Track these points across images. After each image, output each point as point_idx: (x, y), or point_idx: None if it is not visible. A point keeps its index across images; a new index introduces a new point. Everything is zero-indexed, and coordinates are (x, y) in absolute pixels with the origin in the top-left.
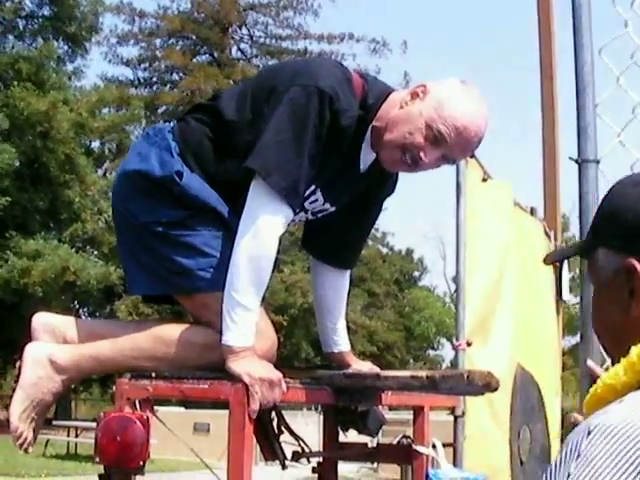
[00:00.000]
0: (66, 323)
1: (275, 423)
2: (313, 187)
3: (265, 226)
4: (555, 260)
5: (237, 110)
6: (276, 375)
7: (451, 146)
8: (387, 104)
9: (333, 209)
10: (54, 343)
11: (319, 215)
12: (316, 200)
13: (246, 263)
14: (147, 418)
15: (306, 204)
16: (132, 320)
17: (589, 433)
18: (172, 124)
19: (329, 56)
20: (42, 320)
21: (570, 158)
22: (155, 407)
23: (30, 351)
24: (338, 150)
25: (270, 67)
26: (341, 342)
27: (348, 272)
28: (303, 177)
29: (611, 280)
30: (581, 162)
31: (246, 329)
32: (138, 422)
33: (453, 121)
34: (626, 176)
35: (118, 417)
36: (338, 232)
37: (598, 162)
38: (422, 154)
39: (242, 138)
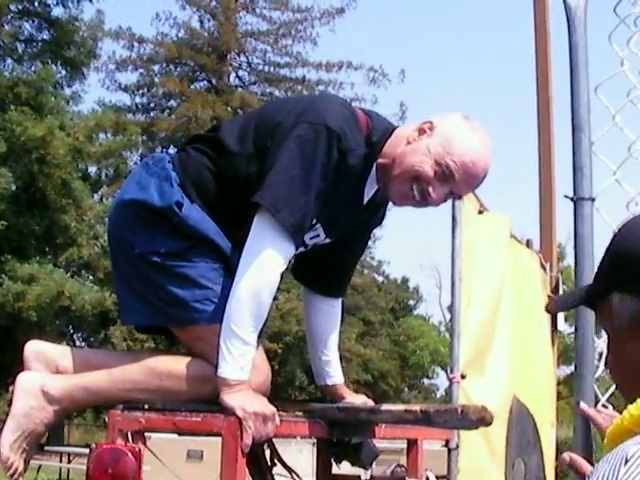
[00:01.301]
0: (59, 352)
1: (268, 455)
2: (315, 223)
3: (269, 262)
4: (559, 310)
5: (239, 142)
6: (270, 410)
7: (458, 182)
8: (392, 141)
9: (328, 241)
10: (47, 372)
11: (314, 247)
12: (317, 235)
13: (248, 297)
14: (139, 450)
15: (307, 239)
16: (126, 350)
17: (626, 462)
18: (171, 154)
19: (327, 84)
20: (35, 348)
21: (565, 196)
22: (148, 434)
23: (23, 381)
24: (343, 188)
25: (275, 102)
26: (334, 374)
27: (340, 301)
28: (310, 214)
29: (630, 325)
30: (576, 200)
31: (243, 362)
32: (130, 454)
33: (461, 157)
34: (631, 218)
35: (110, 449)
36: (330, 262)
37: (593, 200)
38: (431, 189)
39: (243, 170)
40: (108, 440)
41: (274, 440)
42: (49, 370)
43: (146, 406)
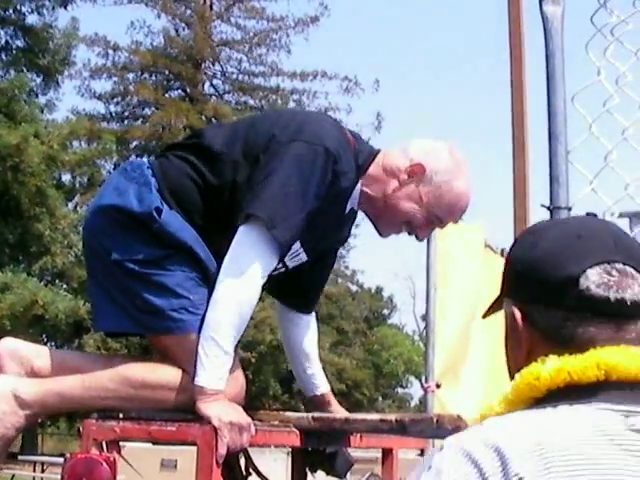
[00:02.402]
0: (34, 351)
1: (243, 464)
2: (298, 244)
3: (256, 274)
4: (484, 316)
5: (225, 148)
6: (245, 420)
7: (446, 223)
8: (377, 169)
9: (306, 260)
10: (20, 371)
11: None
12: (298, 255)
13: (230, 307)
14: (114, 460)
15: (287, 261)
16: (102, 355)
17: (442, 448)
18: (150, 160)
19: (302, 93)
20: (9, 347)
21: (542, 205)
22: (122, 443)
23: None
24: (330, 209)
25: (267, 114)
26: (320, 384)
27: (313, 314)
28: (299, 233)
29: (508, 327)
30: (553, 209)
31: (221, 372)
32: (105, 464)
33: (451, 207)
34: (528, 227)
35: (84, 459)
36: (304, 278)
37: (570, 209)
38: (419, 232)
39: (228, 177)
40: (83, 449)
41: (249, 449)
42: (23, 369)
43: (121, 415)
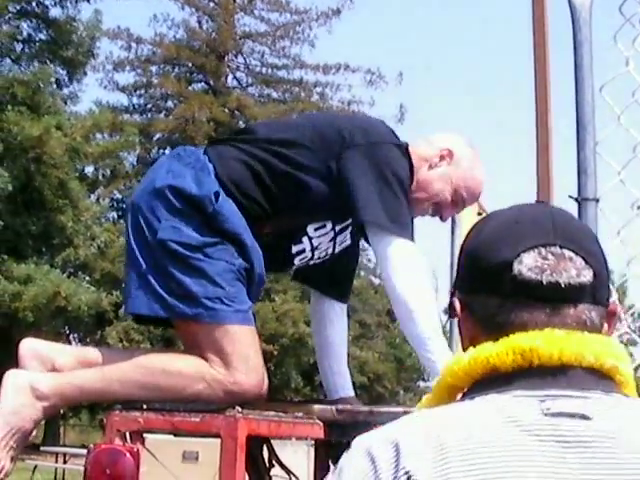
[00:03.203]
0: (55, 350)
1: (266, 456)
2: (348, 231)
3: (425, 275)
4: (451, 316)
5: (288, 148)
6: None
7: (466, 206)
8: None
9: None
10: (42, 370)
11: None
12: (345, 241)
13: (422, 302)
14: (137, 451)
15: (337, 246)
16: (121, 348)
17: (349, 447)
18: (205, 147)
19: (325, 86)
20: (30, 347)
21: (570, 196)
22: (144, 434)
23: (11, 377)
24: None
25: (335, 114)
26: (347, 386)
27: (345, 309)
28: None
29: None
30: (581, 200)
31: (448, 357)
32: (128, 455)
33: (474, 190)
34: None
35: (108, 449)
36: (339, 265)
37: (598, 201)
38: (445, 212)
39: (294, 176)
40: (106, 440)
41: (272, 441)
42: (45, 368)
43: (144, 406)
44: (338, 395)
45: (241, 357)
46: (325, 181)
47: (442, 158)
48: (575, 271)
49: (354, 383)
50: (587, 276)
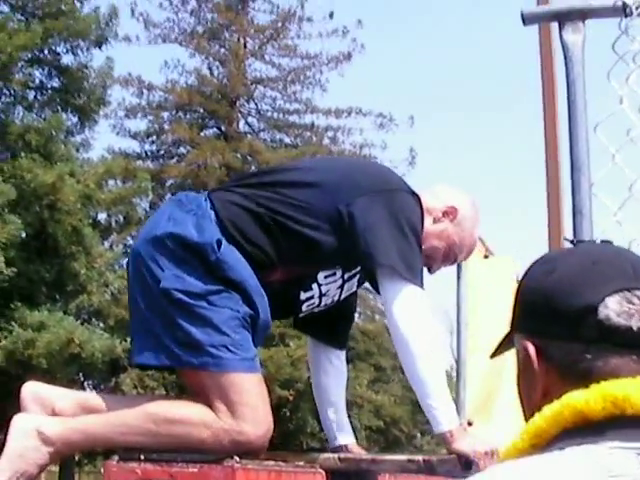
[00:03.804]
0: (56, 394)
1: None
2: (356, 278)
3: (430, 322)
4: (493, 356)
5: (297, 191)
6: (491, 444)
7: (455, 262)
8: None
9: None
10: (43, 413)
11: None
12: (352, 288)
13: (432, 357)
14: None
15: (343, 293)
16: (125, 395)
17: None
18: (207, 193)
19: (336, 130)
20: (32, 390)
21: (565, 238)
22: None
23: (18, 421)
24: None
25: (347, 159)
26: (346, 433)
27: (344, 355)
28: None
29: (521, 364)
30: (576, 242)
31: (454, 411)
32: None
33: (468, 250)
34: (540, 257)
35: None
36: (337, 312)
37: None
38: (435, 266)
39: (302, 220)
40: None
41: None
42: (45, 412)
43: (142, 456)
44: (338, 443)
45: (248, 407)
46: (334, 227)
47: (445, 214)
48: None
49: (370, 427)
50: None
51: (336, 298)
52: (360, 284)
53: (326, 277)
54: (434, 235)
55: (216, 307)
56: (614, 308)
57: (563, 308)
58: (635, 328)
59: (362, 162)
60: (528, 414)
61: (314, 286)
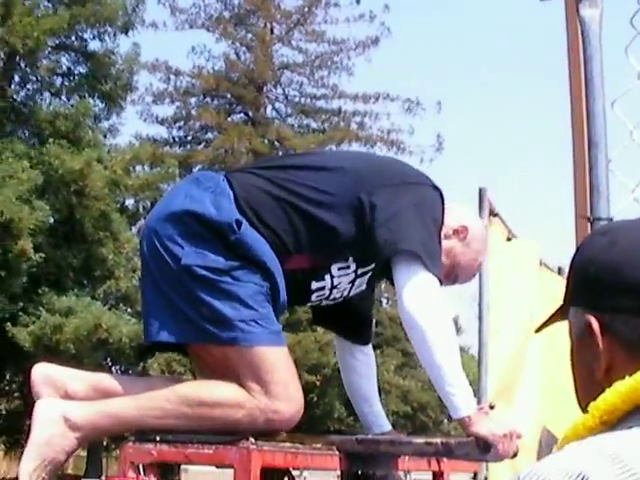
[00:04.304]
0: (67, 375)
1: None
2: (366, 276)
3: (443, 306)
4: (539, 330)
5: (318, 181)
6: (510, 428)
7: (454, 283)
8: None
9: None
10: (55, 396)
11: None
12: (362, 285)
13: (448, 342)
14: None
15: (359, 281)
16: (142, 377)
17: None
18: (225, 173)
19: (364, 115)
20: (42, 372)
21: (581, 216)
22: (185, 467)
23: (42, 408)
24: None
25: (367, 154)
26: (382, 423)
27: (371, 348)
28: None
29: (579, 340)
30: (593, 220)
31: (470, 395)
32: None
33: (470, 273)
34: (597, 227)
35: None
36: (358, 309)
37: (611, 220)
38: None
39: (322, 208)
40: (120, 473)
41: (296, 473)
42: (57, 394)
43: (158, 438)
44: (374, 433)
45: (280, 384)
46: (354, 215)
47: (456, 233)
48: None
49: (397, 413)
50: None
51: (345, 293)
52: (369, 284)
53: (340, 269)
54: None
55: (241, 282)
56: None
57: (630, 281)
58: None
59: (386, 156)
60: (586, 391)
61: (327, 277)
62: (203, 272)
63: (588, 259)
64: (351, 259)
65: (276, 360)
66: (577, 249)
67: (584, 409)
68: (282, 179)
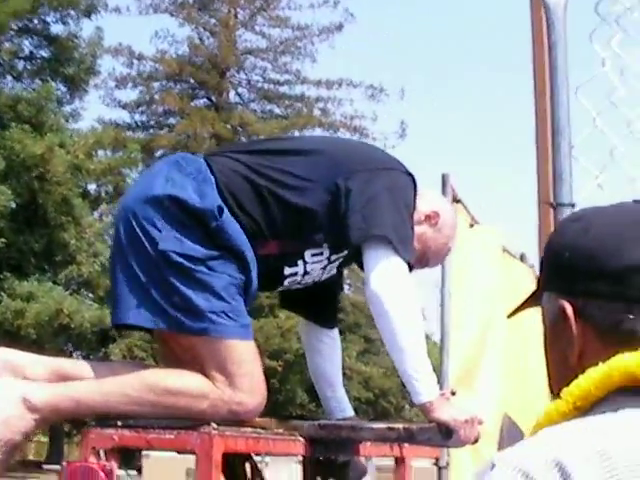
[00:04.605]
0: (27, 360)
1: (250, 474)
2: (336, 261)
3: (411, 291)
4: (515, 312)
5: (293, 165)
6: (471, 414)
7: (424, 267)
8: None
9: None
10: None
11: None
12: (332, 270)
13: (413, 326)
14: (111, 469)
15: (331, 267)
16: (104, 361)
17: (493, 466)
18: (206, 157)
19: (327, 101)
20: (1, 357)
21: (545, 202)
22: (146, 452)
23: (3, 387)
24: None
25: (348, 139)
26: (344, 408)
27: (337, 332)
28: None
29: (552, 325)
30: (556, 206)
31: (433, 381)
32: (101, 472)
33: (440, 258)
34: (570, 214)
35: (81, 467)
36: (325, 292)
37: (574, 206)
38: None
39: (297, 194)
40: (81, 458)
41: (258, 458)
42: (17, 378)
43: (119, 423)
44: (336, 417)
45: (246, 377)
46: (330, 200)
47: (428, 218)
48: None
49: (359, 399)
50: None
51: (317, 279)
52: (338, 269)
53: (313, 255)
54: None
55: (215, 272)
56: None
57: (604, 267)
58: None
59: (360, 141)
60: (559, 377)
61: (299, 263)
62: (179, 259)
63: (562, 245)
64: (325, 245)
65: (243, 353)
66: (550, 235)
67: (557, 395)
68: (261, 165)
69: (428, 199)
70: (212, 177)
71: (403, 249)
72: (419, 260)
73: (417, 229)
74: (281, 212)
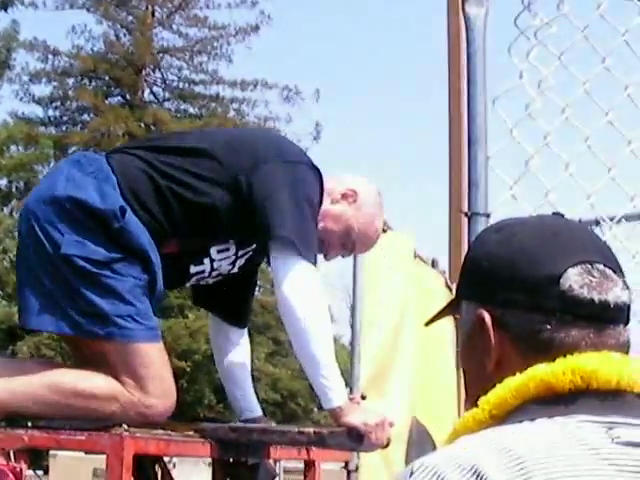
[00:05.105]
0: None
1: (160, 476)
2: (239, 251)
3: (319, 296)
4: (432, 321)
5: (192, 161)
6: (381, 417)
7: (352, 252)
8: None
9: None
10: None
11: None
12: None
13: (321, 332)
14: (20, 470)
15: (240, 261)
16: (21, 359)
17: (411, 474)
18: (107, 155)
19: (241, 102)
20: None
21: (460, 211)
22: (53, 452)
23: None
24: None
25: (251, 130)
26: (253, 408)
27: (246, 332)
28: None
29: (470, 334)
30: (470, 215)
31: (342, 386)
32: (10, 474)
33: (368, 238)
34: (491, 224)
35: None
36: (236, 290)
37: (488, 216)
38: (330, 252)
39: (199, 189)
40: None
41: (165, 460)
42: None
43: (29, 423)
44: (245, 417)
45: (155, 379)
46: (232, 196)
47: (345, 197)
48: (619, 291)
49: (267, 400)
50: (626, 297)
51: (225, 273)
52: (252, 264)
53: (219, 252)
54: (330, 216)
55: (120, 275)
56: (576, 280)
57: (524, 277)
58: (597, 300)
59: (263, 132)
60: (477, 385)
61: (206, 261)
62: (82, 263)
63: (482, 254)
64: (231, 241)
65: (151, 356)
66: (471, 244)
67: (474, 403)
68: (162, 162)
69: (346, 180)
70: (114, 177)
71: (306, 250)
72: (343, 245)
73: (334, 209)
74: (183, 210)
